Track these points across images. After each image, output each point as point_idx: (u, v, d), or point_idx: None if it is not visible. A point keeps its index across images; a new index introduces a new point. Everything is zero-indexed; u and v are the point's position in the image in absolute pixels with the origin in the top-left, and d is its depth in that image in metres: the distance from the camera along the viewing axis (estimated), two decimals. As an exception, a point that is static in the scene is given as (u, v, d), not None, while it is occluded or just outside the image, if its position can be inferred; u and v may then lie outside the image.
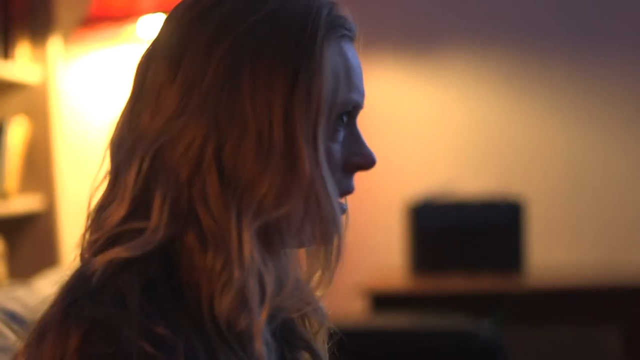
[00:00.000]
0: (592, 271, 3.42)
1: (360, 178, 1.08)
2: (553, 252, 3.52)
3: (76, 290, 0.99)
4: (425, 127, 3.55)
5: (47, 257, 3.13)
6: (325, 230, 1.03)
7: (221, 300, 1.00)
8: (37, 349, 0.97)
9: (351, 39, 1.08)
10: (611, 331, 3.45)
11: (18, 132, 3.10)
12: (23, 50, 3.11)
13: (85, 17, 3.04)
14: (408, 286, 3.18)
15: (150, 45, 1.07)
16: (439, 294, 3.11)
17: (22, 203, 3.07)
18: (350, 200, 1.10)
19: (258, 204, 1.01)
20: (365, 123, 3.72)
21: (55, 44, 3.17)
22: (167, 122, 1.02)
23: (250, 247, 1.00)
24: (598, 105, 3.53)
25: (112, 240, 1.02)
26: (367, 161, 1.08)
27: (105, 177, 1.07)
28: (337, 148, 1.06)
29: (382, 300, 3.10)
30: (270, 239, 1.03)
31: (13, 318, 1.72)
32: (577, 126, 3.54)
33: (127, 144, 1.04)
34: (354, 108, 1.08)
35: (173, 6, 1.08)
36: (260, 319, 1.00)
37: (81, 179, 3.28)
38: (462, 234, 3.22)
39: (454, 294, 3.10)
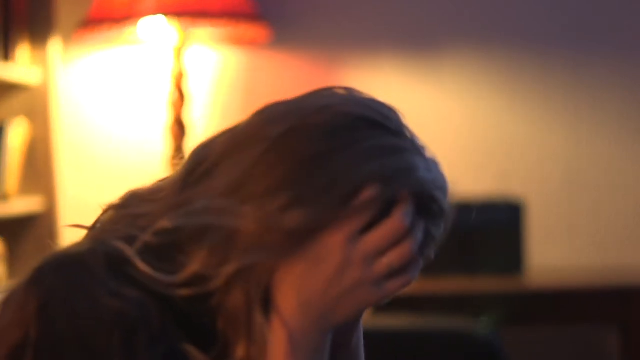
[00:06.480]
0: (591, 272, 3.42)
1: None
2: (552, 253, 3.53)
3: (44, 262, 1.02)
4: (425, 127, 3.55)
5: (48, 259, 3.13)
6: None
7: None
8: (2, 314, 1.00)
9: None
10: (610, 332, 3.45)
11: (18, 133, 3.10)
12: (23, 51, 3.12)
13: (86, 18, 3.05)
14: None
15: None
16: (438, 294, 3.12)
17: (22, 204, 3.08)
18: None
19: None
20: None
21: (55, 46, 3.17)
22: None
23: None
24: (598, 106, 3.53)
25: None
26: None
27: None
28: None
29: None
30: None
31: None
32: (577, 127, 3.54)
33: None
34: None
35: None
36: None
37: (81, 180, 3.29)
38: (462, 234, 3.22)
39: (453, 295, 3.11)
